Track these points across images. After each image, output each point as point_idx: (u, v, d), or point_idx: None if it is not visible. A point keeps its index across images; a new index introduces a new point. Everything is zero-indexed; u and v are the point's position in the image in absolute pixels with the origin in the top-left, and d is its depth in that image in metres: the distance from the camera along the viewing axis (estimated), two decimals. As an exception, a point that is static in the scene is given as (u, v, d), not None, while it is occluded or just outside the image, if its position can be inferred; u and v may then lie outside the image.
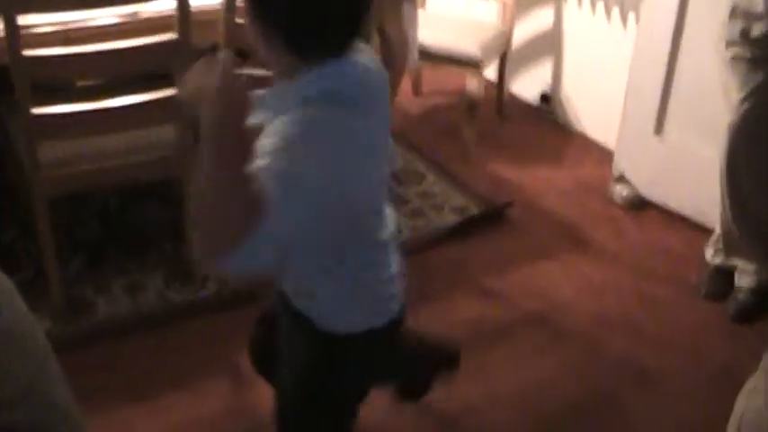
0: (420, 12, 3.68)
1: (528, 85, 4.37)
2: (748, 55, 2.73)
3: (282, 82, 1.53)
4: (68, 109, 2.52)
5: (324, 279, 1.66)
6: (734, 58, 2.77)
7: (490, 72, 4.13)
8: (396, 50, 3.13)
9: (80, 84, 2.85)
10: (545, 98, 4.28)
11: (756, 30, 2.69)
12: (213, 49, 2.70)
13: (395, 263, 1.74)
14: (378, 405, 2.12)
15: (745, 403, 1.73)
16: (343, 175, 1.47)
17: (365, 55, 1.59)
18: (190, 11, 2.52)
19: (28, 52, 2.37)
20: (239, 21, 2.64)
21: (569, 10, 4.07)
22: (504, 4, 4.08)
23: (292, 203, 1.35)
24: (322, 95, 1.47)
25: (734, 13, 2.74)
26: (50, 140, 2.58)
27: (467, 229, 3.32)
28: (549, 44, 4.22)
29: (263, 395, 2.13)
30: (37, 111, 2.46)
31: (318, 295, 1.69)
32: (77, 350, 2.53)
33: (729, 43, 2.77)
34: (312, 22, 1.45)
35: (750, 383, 1.88)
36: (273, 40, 1.47)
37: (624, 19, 3.78)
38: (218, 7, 2.66)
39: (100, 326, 2.71)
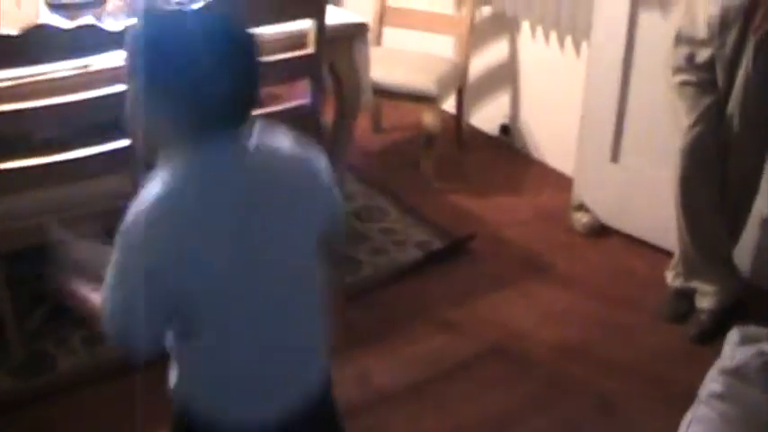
0: (375, 49, 3.72)
1: (487, 117, 4.41)
2: (695, 80, 2.78)
3: None
4: (17, 165, 2.52)
5: None
6: (681, 84, 2.82)
7: (449, 104, 4.17)
8: (347, 90, 3.14)
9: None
10: (504, 129, 4.31)
11: (701, 55, 2.74)
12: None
13: None
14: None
15: None
16: None
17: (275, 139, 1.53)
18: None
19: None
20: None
21: (524, 41, 4.12)
22: (460, 38, 4.13)
23: None
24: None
25: (678, 39, 2.79)
26: (6, 194, 2.58)
27: (429, 262, 3.33)
28: (506, 75, 4.26)
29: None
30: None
31: None
32: (37, 405, 2.52)
33: (676, 69, 2.82)
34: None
35: (687, 415, 1.90)
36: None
37: (577, 48, 3.83)
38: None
39: (60, 379, 2.69)
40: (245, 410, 1.58)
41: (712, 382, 2.12)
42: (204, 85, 1.39)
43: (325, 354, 1.68)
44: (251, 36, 1.48)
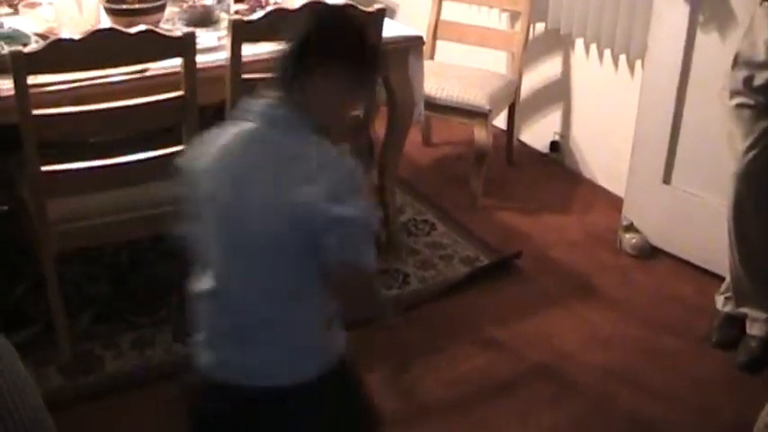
0: (428, 62, 3.72)
1: (537, 134, 4.39)
2: (752, 103, 2.74)
3: None
4: (77, 166, 2.56)
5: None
6: (738, 107, 2.78)
7: (500, 121, 4.16)
8: (400, 103, 3.15)
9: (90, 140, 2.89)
10: (554, 146, 4.29)
11: (759, 78, 2.71)
12: (221, 106, 2.75)
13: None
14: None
15: None
16: None
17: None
18: (196, 68, 2.56)
19: (37, 112, 2.42)
20: (245, 76, 2.68)
21: (577, 59, 4.10)
22: (513, 54, 4.12)
23: None
24: None
25: (737, 62, 2.76)
26: (59, 197, 2.62)
27: (475, 279, 3.32)
28: (558, 93, 4.24)
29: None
30: (46, 168, 2.51)
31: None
32: (85, 406, 2.55)
33: (733, 92, 2.79)
34: None
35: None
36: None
37: (631, 68, 3.80)
38: (224, 63, 2.70)
39: (107, 381, 2.72)
40: (207, 357, 1.71)
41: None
42: None
43: (294, 345, 1.70)
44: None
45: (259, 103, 1.66)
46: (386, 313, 1.79)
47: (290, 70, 1.63)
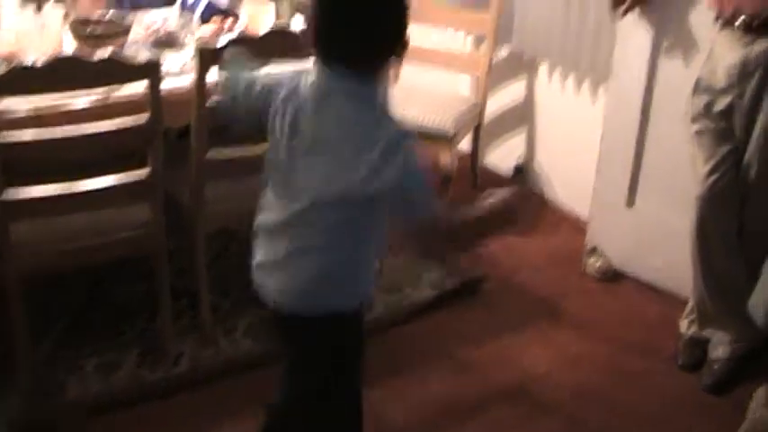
0: (391, 86, 3.72)
1: (502, 157, 4.41)
2: (713, 128, 2.78)
3: None
4: (41, 192, 2.53)
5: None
6: (699, 132, 2.82)
7: (464, 144, 4.18)
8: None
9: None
10: (519, 170, 4.32)
11: (719, 104, 2.75)
12: (185, 130, 2.74)
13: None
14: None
15: None
16: None
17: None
18: (160, 93, 2.55)
19: (-1, 136, 2.39)
20: (209, 102, 2.67)
21: (541, 82, 4.14)
22: (477, 78, 4.14)
23: None
24: None
25: (697, 87, 2.80)
26: (22, 221, 2.58)
27: (442, 302, 3.31)
28: (522, 116, 4.27)
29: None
30: (8, 193, 2.47)
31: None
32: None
33: (695, 117, 2.83)
34: None
35: None
36: None
37: (595, 91, 3.84)
38: (189, 87, 2.69)
39: (70, 406, 2.68)
40: (262, 277, 1.99)
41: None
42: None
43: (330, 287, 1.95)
44: None
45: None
46: (453, 221, 2.10)
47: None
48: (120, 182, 2.63)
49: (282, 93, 1.88)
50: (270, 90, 1.91)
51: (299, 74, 1.89)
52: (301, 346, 2.07)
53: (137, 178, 2.64)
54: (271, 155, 1.93)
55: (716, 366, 2.97)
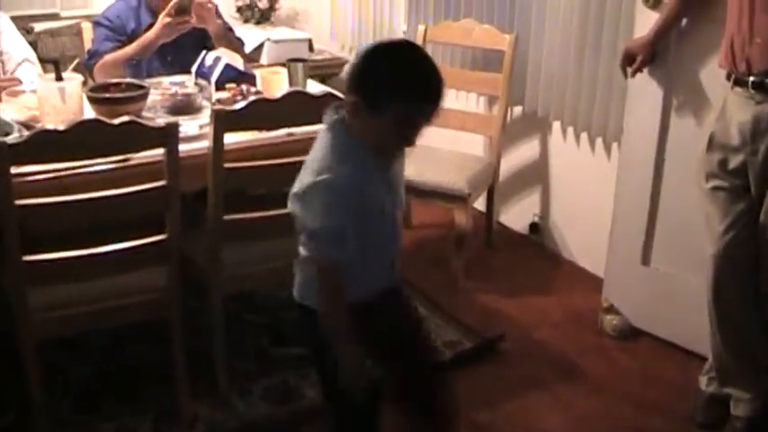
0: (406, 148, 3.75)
1: (517, 216, 4.43)
2: (727, 186, 2.78)
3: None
4: (59, 256, 2.55)
5: None
6: (714, 189, 2.82)
7: (479, 203, 4.20)
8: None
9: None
10: (534, 228, 4.33)
11: (734, 161, 2.75)
12: (202, 192, 2.76)
13: None
14: None
15: None
16: None
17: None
18: (179, 157, 2.58)
19: (19, 202, 2.42)
20: (227, 165, 2.70)
21: (554, 141, 4.17)
22: (491, 138, 4.18)
23: None
24: None
25: (711, 145, 2.81)
26: (40, 286, 2.60)
27: (459, 362, 3.30)
28: (536, 175, 4.30)
29: None
30: (27, 258, 2.49)
31: None
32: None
33: (708, 175, 2.83)
34: None
35: None
36: None
37: (608, 150, 3.87)
38: (206, 151, 2.72)
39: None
40: (363, 288, 2.16)
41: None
42: None
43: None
44: None
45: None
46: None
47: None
48: (138, 246, 2.65)
49: (357, 188, 2.04)
50: (356, 203, 2.06)
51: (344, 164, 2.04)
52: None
53: (154, 242, 2.67)
54: (371, 228, 2.12)
55: (737, 424, 2.93)
